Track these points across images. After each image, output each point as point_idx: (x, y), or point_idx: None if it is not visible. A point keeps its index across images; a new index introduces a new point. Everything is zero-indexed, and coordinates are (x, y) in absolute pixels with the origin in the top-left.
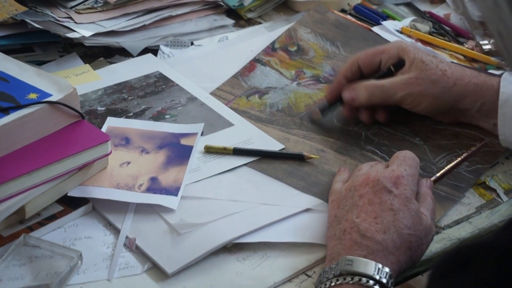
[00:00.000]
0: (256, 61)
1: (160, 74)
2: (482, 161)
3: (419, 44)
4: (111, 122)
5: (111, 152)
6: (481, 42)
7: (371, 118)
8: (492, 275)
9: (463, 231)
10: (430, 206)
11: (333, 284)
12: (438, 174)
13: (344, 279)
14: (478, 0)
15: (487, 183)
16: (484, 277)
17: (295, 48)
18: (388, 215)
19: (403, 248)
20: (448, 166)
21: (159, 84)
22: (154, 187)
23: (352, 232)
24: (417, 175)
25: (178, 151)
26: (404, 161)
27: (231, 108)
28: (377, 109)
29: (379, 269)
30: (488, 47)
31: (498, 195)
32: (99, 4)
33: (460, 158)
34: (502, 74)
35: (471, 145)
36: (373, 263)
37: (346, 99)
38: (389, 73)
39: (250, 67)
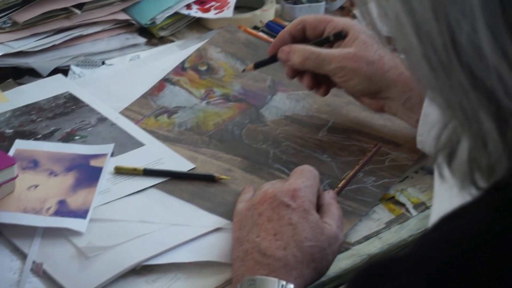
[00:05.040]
0: (165, 80)
1: (70, 94)
2: (389, 176)
3: None
4: (19, 145)
5: (17, 176)
6: (400, 53)
7: (313, 86)
8: None
9: (373, 247)
10: (335, 215)
11: None
12: (339, 185)
13: None
14: (383, 17)
15: (397, 198)
16: None
17: (205, 67)
18: (287, 230)
19: (305, 261)
20: (348, 176)
21: (69, 104)
22: (62, 210)
23: (253, 252)
24: (315, 186)
25: (87, 173)
26: (302, 174)
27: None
28: (320, 83)
29: (282, 285)
30: None
31: (407, 209)
32: (8, 25)
33: (358, 166)
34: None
35: (369, 151)
36: (276, 280)
37: (281, 57)
38: (327, 41)
39: (159, 87)
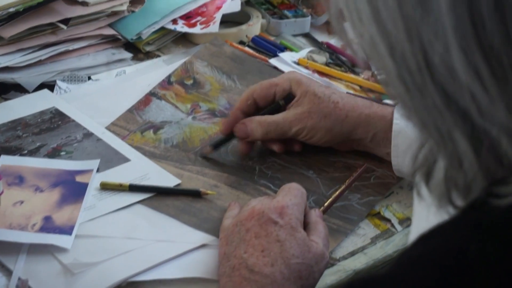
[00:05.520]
0: (151, 95)
1: (56, 110)
2: (374, 193)
3: (316, 75)
4: (5, 161)
5: (3, 192)
6: (376, 72)
7: (284, 148)
8: None
9: (358, 263)
10: (321, 233)
11: None
12: (326, 204)
13: None
14: (358, 38)
15: (382, 213)
16: None
17: (191, 81)
18: (275, 247)
19: (292, 278)
20: (334, 195)
21: (55, 120)
22: (47, 226)
23: (241, 268)
24: (303, 204)
25: (73, 189)
26: (289, 192)
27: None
28: (290, 141)
29: None
30: None
31: (392, 225)
32: None
33: (344, 185)
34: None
35: (355, 169)
36: None
37: (240, 135)
38: (279, 107)
39: (145, 101)
